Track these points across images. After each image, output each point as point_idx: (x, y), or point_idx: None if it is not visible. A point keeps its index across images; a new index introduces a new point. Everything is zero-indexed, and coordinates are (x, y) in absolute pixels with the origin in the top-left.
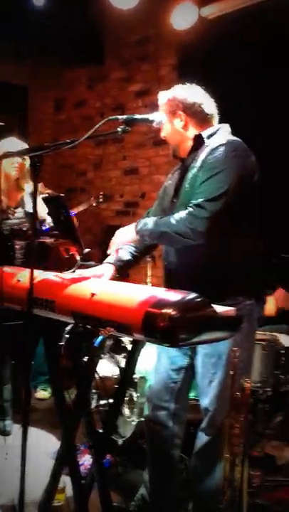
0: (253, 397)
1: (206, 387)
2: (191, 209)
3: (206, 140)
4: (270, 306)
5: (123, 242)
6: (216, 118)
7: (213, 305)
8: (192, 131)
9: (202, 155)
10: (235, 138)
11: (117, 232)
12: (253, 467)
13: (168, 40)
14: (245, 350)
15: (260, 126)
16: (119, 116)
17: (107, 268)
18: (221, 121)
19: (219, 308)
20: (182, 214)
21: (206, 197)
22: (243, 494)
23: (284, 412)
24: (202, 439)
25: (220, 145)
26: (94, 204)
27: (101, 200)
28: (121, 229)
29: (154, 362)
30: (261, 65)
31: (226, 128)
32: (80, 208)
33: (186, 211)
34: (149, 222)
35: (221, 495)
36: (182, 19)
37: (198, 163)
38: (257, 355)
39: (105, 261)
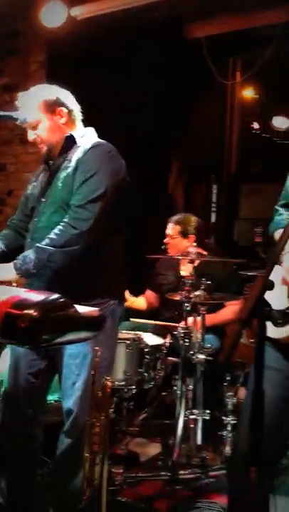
0: (117, 395)
1: (69, 389)
2: (72, 212)
3: (78, 140)
4: (142, 302)
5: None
6: (79, 118)
7: (76, 305)
8: (70, 129)
9: (75, 155)
10: (104, 141)
11: None
12: (116, 465)
13: (38, 37)
14: (109, 349)
15: (128, 124)
16: None
17: None
18: (85, 121)
19: (82, 309)
20: (60, 226)
21: (86, 198)
22: (102, 492)
23: (148, 409)
24: (64, 441)
25: (94, 146)
26: None
27: None
28: None
29: (9, 365)
30: (128, 66)
31: (92, 130)
32: None
33: (65, 219)
34: (28, 253)
35: (82, 495)
36: (51, 17)
37: (72, 163)
38: (121, 354)
39: None
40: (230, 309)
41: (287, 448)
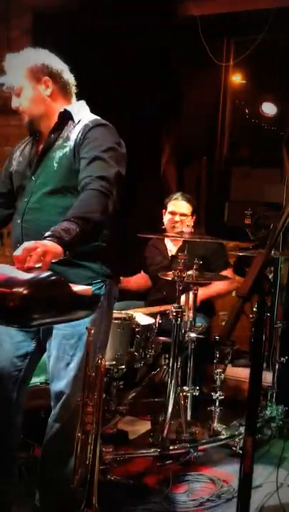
0: (107, 375)
1: (62, 370)
2: (98, 182)
3: (75, 117)
4: (138, 282)
5: None
6: (74, 91)
7: (69, 284)
8: (59, 102)
9: (73, 134)
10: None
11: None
12: (105, 444)
13: (22, 2)
14: (103, 329)
15: (120, 104)
16: None
17: None
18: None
19: (76, 287)
20: (87, 193)
21: (103, 173)
22: (94, 472)
23: (138, 388)
24: (54, 426)
25: (99, 125)
26: None
27: None
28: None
29: None
30: (121, 37)
31: (84, 104)
32: None
33: (91, 186)
34: (64, 224)
35: (72, 475)
36: None
37: (70, 142)
38: (112, 333)
39: None
40: (220, 283)
41: None
